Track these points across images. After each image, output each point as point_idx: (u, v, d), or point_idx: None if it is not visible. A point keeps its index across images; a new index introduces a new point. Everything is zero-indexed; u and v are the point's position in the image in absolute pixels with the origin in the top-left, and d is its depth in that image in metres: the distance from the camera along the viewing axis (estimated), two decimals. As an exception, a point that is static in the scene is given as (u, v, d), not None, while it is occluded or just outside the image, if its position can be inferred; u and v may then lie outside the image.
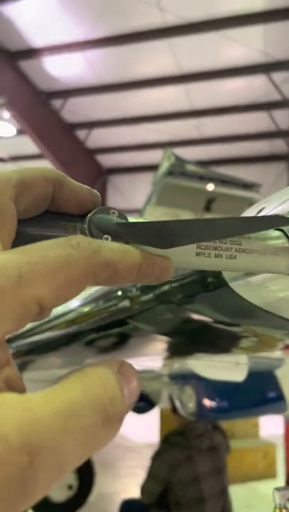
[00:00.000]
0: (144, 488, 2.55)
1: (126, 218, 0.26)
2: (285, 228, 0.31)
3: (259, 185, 5.17)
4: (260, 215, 0.36)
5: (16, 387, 0.19)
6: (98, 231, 0.24)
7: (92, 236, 0.24)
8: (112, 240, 0.24)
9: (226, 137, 9.57)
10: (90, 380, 0.19)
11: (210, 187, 4.88)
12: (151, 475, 2.51)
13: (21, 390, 0.19)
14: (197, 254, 0.27)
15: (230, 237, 0.28)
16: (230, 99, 8.27)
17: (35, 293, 0.19)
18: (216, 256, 0.28)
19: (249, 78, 7.71)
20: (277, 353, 0.91)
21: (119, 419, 0.19)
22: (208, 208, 4.99)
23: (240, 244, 0.28)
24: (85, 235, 0.25)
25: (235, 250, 0.28)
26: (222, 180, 4.94)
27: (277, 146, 9.58)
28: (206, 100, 8.38)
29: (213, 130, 9.23)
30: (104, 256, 0.21)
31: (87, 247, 0.21)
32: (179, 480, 2.41)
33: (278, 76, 7.44)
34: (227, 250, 0.28)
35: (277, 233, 0.31)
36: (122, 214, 0.26)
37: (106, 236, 0.24)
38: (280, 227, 0.32)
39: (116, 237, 0.24)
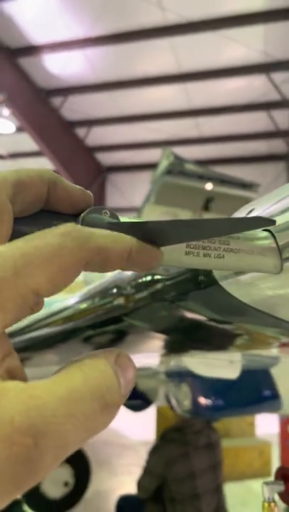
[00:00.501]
0: (140, 483, 2.57)
1: (118, 218, 0.27)
2: (272, 229, 0.33)
3: (257, 185, 5.18)
4: (249, 216, 0.37)
5: (18, 377, 0.20)
6: None
7: None
8: None
9: (225, 137, 9.57)
10: (90, 370, 0.20)
11: (208, 186, 4.88)
12: (148, 470, 2.53)
13: (23, 379, 0.20)
14: (186, 254, 0.29)
15: (217, 236, 0.29)
16: (230, 99, 8.27)
17: (32, 283, 0.20)
18: (204, 255, 0.29)
19: (249, 78, 7.72)
20: (273, 351, 0.92)
21: (116, 407, 0.20)
22: (206, 208, 5.00)
23: (229, 244, 0.30)
24: None
25: (224, 250, 0.29)
26: (221, 180, 4.94)
27: (276, 146, 9.59)
28: (206, 99, 8.38)
29: (213, 129, 9.24)
30: (96, 242, 0.22)
31: (79, 235, 0.21)
32: (175, 476, 2.42)
33: (278, 76, 7.45)
34: (215, 250, 0.29)
35: (265, 234, 0.32)
36: (113, 214, 0.27)
37: None
38: (268, 228, 0.33)
39: None
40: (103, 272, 0.23)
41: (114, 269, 0.24)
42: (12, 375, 0.20)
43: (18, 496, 2.90)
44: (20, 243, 0.20)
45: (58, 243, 0.20)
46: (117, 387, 0.20)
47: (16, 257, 0.19)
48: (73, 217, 0.27)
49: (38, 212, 0.26)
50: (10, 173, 0.25)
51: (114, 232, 0.23)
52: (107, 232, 0.23)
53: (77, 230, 0.22)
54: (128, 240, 0.24)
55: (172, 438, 2.53)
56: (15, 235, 0.24)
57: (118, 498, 2.90)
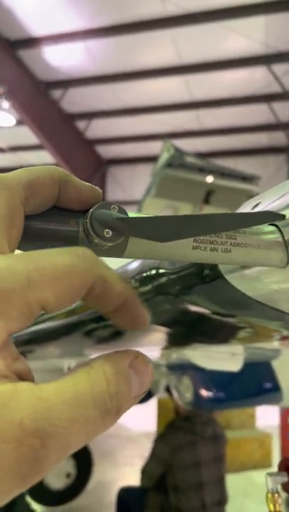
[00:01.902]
0: (145, 470, 2.60)
1: (126, 213, 0.27)
2: (278, 223, 0.33)
3: (258, 177, 5.16)
4: (255, 210, 0.37)
5: (27, 378, 0.21)
6: (99, 225, 0.25)
7: (94, 230, 0.25)
8: (112, 233, 0.25)
9: (226, 129, 9.53)
10: (96, 375, 0.20)
11: (209, 179, 4.87)
12: (154, 456, 2.56)
13: (32, 381, 0.21)
14: (194, 248, 0.29)
15: (225, 231, 0.29)
16: (231, 91, 8.23)
17: (41, 297, 0.20)
18: (211, 250, 0.29)
19: (250, 70, 7.67)
20: (274, 344, 0.93)
21: (117, 413, 0.21)
22: (207, 200, 4.99)
23: (235, 239, 0.30)
24: (87, 229, 0.26)
25: (230, 244, 0.30)
26: (221, 173, 4.93)
27: (277, 138, 9.55)
28: (206, 91, 8.34)
29: (213, 122, 9.20)
30: (104, 271, 0.23)
31: (91, 259, 0.22)
32: (180, 463, 2.45)
33: (279, 68, 7.41)
34: (222, 244, 0.29)
35: (271, 228, 0.33)
36: (122, 209, 0.27)
37: (107, 230, 0.25)
38: (274, 223, 0.33)
39: (116, 231, 0.26)
40: (95, 305, 0.24)
41: (107, 307, 0.24)
42: (21, 378, 0.20)
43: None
44: (35, 256, 0.21)
45: (72, 263, 0.21)
46: (124, 393, 0.21)
47: (30, 269, 0.20)
48: (82, 212, 0.27)
49: (49, 209, 0.26)
50: (22, 174, 0.25)
51: (120, 276, 0.24)
52: (114, 271, 0.24)
53: (90, 253, 0.22)
54: (129, 288, 0.24)
55: (180, 426, 2.57)
56: (25, 230, 0.25)
57: (119, 489, 2.92)
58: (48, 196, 0.26)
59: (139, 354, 0.23)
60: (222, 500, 2.55)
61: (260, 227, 0.32)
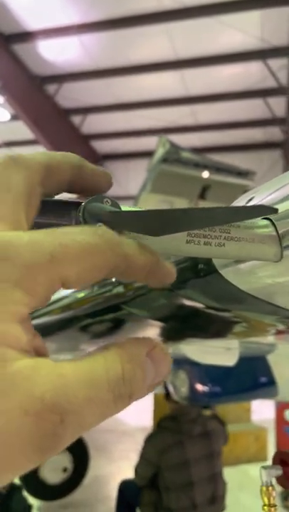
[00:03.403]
0: (136, 471, 2.59)
1: (119, 207, 0.27)
2: (272, 217, 0.33)
3: (254, 172, 5.17)
4: (249, 204, 0.37)
5: (44, 355, 0.21)
6: (92, 219, 0.25)
7: (86, 223, 0.25)
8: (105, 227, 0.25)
9: (222, 124, 9.52)
10: (112, 359, 0.21)
11: (205, 174, 4.87)
12: (143, 458, 2.54)
13: (47, 356, 0.21)
14: (187, 242, 0.29)
15: (218, 225, 0.29)
16: (226, 86, 8.21)
17: (63, 272, 0.21)
18: (205, 244, 0.29)
19: (245, 64, 7.66)
20: (269, 339, 0.93)
21: (128, 398, 0.21)
22: (202, 196, 4.99)
23: (229, 233, 0.30)
24: (79, 222, 0.26)
25: (224, 238, 0.30)
26: (217, 168, 4.93)
27: (273, 133, 9.55)
28: (202, 86, 8.32)
29: (209, 117, 9.19)
30: (125, 249, 0.23)
31: (113, 239, 0.22)
32: (168, 464, 2.43)
33: (274, 62, 7.39)
34: (216, 238, 0.29)
35: (265, 222, 0.33)
36: (115, 202, 0.27)
37: (99, 224, 0.25)
38: (268, 217, 0.33)
39: (109, 225, 0.25)
40: (123, 279, 0.24)
41: (133, 280, 0.25)
42: (39, 354, 0.21)
43: (18, 482, 2.93)
44: (59, 232, 0.21)
45: (95, 242, 0.22)
46: (137, 380, 0.21)
47: (55, 245, 0.20)
48: (74, 205, 0.27)
49: (41, 202, 0.26)
50: (42, 156, 0.26)
51: (142, 244, 0.24)
52: (134, 242, 0.24)
53: (111, 233, 0.23)
54: (152, 254, 0.24)
55: (166, 426, 2.54)
56: None
57: (120, 482, 2.94)
58: (65, 179, 0.27)
59: (158, 344, 0.23)
60: (216, 498, 2.51)
61: (253, 221, 0.32)
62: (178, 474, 2.42)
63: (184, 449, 2.44)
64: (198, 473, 2.44)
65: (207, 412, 2.84)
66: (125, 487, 2.85)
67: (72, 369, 0.19)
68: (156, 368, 0.22)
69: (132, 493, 2.70)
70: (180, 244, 0.29)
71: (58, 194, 0.27)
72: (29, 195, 0.24)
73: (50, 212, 0.26)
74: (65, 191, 0.27)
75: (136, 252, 0.23)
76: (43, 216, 0.26)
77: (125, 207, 0.27)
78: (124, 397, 0.20)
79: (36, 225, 0.26)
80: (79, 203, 0.26)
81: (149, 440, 2.58)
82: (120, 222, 0.26)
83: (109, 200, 0.27)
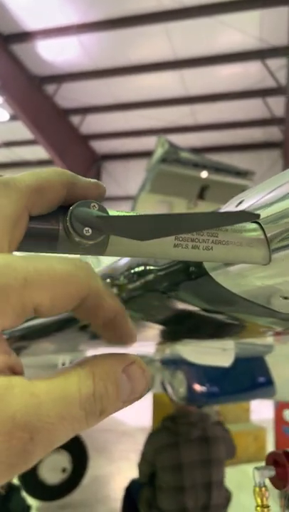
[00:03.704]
0: (138, 468, 2.60)
1: (106, 211, 0.27)
2: (261, 221, 0.33)
3: (252, 172, 5.17)
4: (239, 207, 0.38)
5: (19, 373, 0.22)
6: (79, 224, 0.25)
7: (74, 228, 0.25)
8: (92, 232, 0.26)
9: (221, 124, 9.52)
10: (85, 377, 0.21)
11: (204, 174, 4.87)
12: (142, 456, 2.55)
13: (22, 375, 0.22)
14: (175, 246, 0.29)
15: (204, 230, 0.29)
16: (226, 86, 8.21)
17: (36, 298, 0.21)
18: (193, 247, 0.29)
19: (244, 64, 7.65)
20: (266, 340, 0.93)
21: (100, 415, 0.22)
22: (201, 196, 5.00)
23: (217, 236, 0.30)
24: (67, 227, 0.26)
25: (212, 242, 0.30)
26: (216, 168, 4.93)
27: (272, 133, 9.55)
28: (201, 86, 8.32)
29: (208, 117, 9.18)
30: (100, 285, 0.23)
31: (90, 271, 0.23)
32: (162, 464, 2.41)
33: (273, 62, 7.39)
34: (204, 242, 0.30)
35: (254, 225, 0.33)
36: (102, 207, 0.27)
37: (87, 229, 0.25)
38: (257, 220, 0.33)
39: (96, 230, 0.26)
40: (88, 318, 0.24)
41: (96, 322, 0.25)
42: (13, 372, 0.21)
43: (16, 482, 2.93)
44: (35, 258, 0.22)
45: (70, 271, 0.22)
46: (109, 397, 0.22)
47: (29, 270, 0.21)
48: (62, 210, 0.27)
49: None
50: (32, 178, 0.26)
51: (113, 293, 0.25)
52: (109, 288, 0.24)
53: (88, 266, 0.23)
54: (120, 305, 0.25)
55: (165, 426, 2.53)
56: None
57: (130, 480, 2.93)
58: (57, 199, 0.27)
59: (136, 360, 0.24)
60: (211, 505, 2.41)
61: (242, 224, 0.32)
62: (170, 476, 2.39)
63: (178, 451, 2.40)
64: (191, 478, 2.38)
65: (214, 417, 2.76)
66: (132, 485, 2.85)
67: (46, 387, 0.20)
68: (132, 385, 0.23)
69: (136, 492, 2.70)
70: (168, 248, 0.29)
71: (51, 209, 0.27)
72: (16, 218, 0.24)
73: (37, 218, 0.26)
74: (58, 206, 0.27)
75: (108, 293, 0.24)
76: (31, 222, 0.26)
77: (113, 211, 0.27)
78: (95, 414, 0.21)
79: (26, 230, 0.26)
80: (66, 208, 0.27)
81: (149, 438, 2.58)
82: (107, 226, 0.26)
83: (96, 205, 0.27)
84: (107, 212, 0.27)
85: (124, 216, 0.26)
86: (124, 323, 0.25)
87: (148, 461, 2.49)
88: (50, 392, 0.20)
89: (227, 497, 2.57)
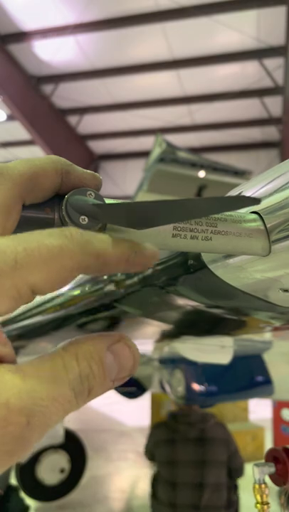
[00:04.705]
0: (144, 455, 2.68)
1: (102, 200, 0.26)
2: (260, 211, 0.32)
3: (250, 172, 5.17)
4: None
5: (11, 361, 0.21)
6: (75, 212, 0.25)
7: (69, 217, 0.25)
8: (88, 220, 0.25)
9: (218, 124, 9.52)
10: (70, 358, 0.21)
11: (201, 174, 4.87)
12: (145, 446, 2.62)
13: (14, 363, 0.21)
14: (173, 236, 0.28)
15: (203, 216, 0.29)
16: (223, 86, 8.21)
17: (30, 279, 0.20)
18: (191, 237, 0.29)
19: (242, 64, 7.66)
20: (265, 336, 0.93)
21: (88, 395, 0.22)
22: (199, 195, 4.99)
23: (216, 227, 0.29)
24: (62, 216, 0.25)
25: (211, 232, 0.29)
26: (213, 168, 4.93)
27: (269, 133, 9.56)
28: (199, 86, 8.32)
29: (206, 116, 9.18)
30: (96, 247, 0.22)
31: (80, 238, 0.22)
32: (159, 458, 2.48)
33: (271, 62, 7.40)
34: (203, 232, 0.29)
35: (253, 216, 0.32)
36: (98, 195, 0.26)
37: (83, 217, 0.25)
38: (256, 211, 0.33)
39: (92, 218, 0.25)
40: (102, 274, 0.24)
41: (113, 272, 0.25)
42: (6, 360, 0.21)
43: (15, 483, 2.92)
44: (24, 237, 0.21)
45: (60, 244, 0.21)
46: (95, 376, 0.22)
47: (19, 250, 0.20)
48: (57, 199, 0.26)
49: None
50: (25, 166, 0.25)
51: (114, 237, 0.24)
52: (106, 236, 0.24)
53: (79, 233, 0.22)
54: (126, 244, 0.24)
55: (166, 422, 2.57)
56: None
57: None
58: (51, 187, 0.26)
59: (121, 338, 0.23)
60: (201, 506, 2.37)
61: (241, 215, 0.32)
62: (164, 470, 2.45)
63: (174, 448, 2.43)
64: (183, 476, 2.39)
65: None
66: None
67: (35, 371, 0.20)
68: (119, 362, 0.23)
69: None
70: (166, 238, 0.28)
71: (46, 198, 0.26)
72: (9, 207, 0.24)
73: (32, 206, 0.26)
74: (54, 194, 0.27)
75: (109, 246, 0.23)
76: (25, 211, 0.25)
77: (109, 200, 0.27)
78: (84, 394, 0.21)
79: (21, 219, 0.25)
80: (62, 197, 0.26)
81: (151, 430, 2.65)
82: (103, 214, 0.25)
83: (92, 193, 0.26)
84: (104, 201, 0.26)
85: (121, 204, 0.25)
86: (140, 256, 0.25)
87: (149, 451, 2.56)
88: (39, 376, 0.20)
89: (230, 501, 2.53)
